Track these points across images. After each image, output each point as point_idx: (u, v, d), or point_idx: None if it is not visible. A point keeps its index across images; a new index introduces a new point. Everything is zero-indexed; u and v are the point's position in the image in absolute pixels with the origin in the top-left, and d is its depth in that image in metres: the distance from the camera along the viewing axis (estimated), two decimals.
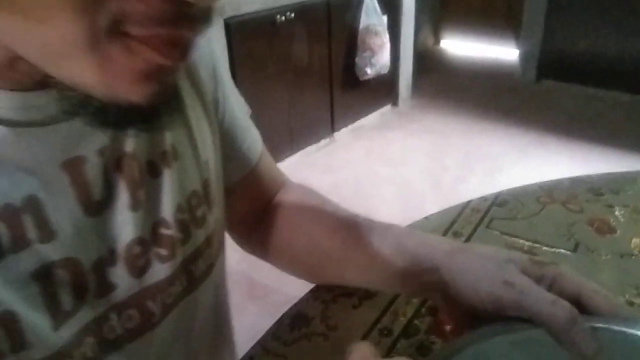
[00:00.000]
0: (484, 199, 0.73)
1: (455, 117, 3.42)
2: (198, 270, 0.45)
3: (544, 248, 0.62)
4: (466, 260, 0.42)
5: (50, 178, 0.33)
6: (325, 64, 2.85)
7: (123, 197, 0.37)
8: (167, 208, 0.41)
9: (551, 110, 3.46)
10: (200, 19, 0.28)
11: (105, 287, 0.37)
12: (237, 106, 0.52)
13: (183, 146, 0.42)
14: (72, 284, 0.34)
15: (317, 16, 2.70)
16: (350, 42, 2.93)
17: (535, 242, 0.63)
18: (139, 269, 0.39)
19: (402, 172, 2.75)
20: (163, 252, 0.40)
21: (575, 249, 0.62)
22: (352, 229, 0.51)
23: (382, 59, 3.03)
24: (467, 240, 0.65)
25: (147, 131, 0.39)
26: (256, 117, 0.56)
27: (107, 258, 0.37)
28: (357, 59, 2.97)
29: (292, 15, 2.49)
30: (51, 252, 0.33)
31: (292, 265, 0.57)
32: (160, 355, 0.42)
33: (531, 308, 0.37)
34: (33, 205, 0.32)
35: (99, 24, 0.25)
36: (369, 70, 2.99)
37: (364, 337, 0.50)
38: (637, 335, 0.36)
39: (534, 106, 3.55)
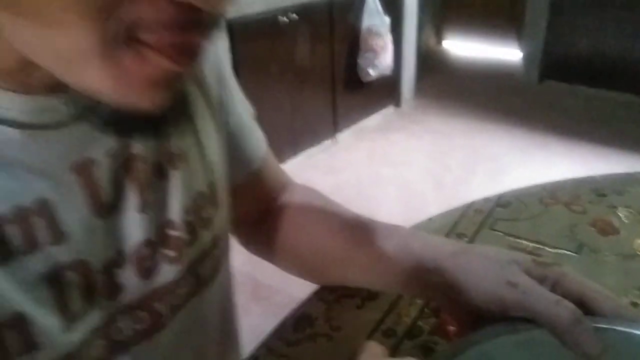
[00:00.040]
0: (486, 200, 0.73)
1: (458, 118, 3.42)
2: (205, 271, 0.45)
3: (547, 249, 0.62)
4: (469, 261, 0.43)
5: (60, 180, 0.33)
6: (328, 65, 2.85)
7: (131, 198, 0.38)
8: (175, 209, 0.41)
9: (554, 111, 3.46)
10: (209, 24, 0.28)
11: (114, 288, 0.37)
12: (241, 107, 0.53)
13: (189, 148, 0.43)
14: (81, 285, 0.34)
15: (320, 17, 2.70)
16: (353, 43, 2.94)
17: (539, 243, 0.63)
18: (147, 271, 0.39)
19: (405, 173, 2.75)
20: (171, 253, 0.41)
21: (578, 250, 0.62)
22: (355, 230, 0.52)
23: (385, 60, 3.04)
24: (470, 241, 0.65)
25: (154, 138, 0.39)
26: (259, 118, 0.56)
27: (116, 260, 0.37)
28: (359, 60, 2.97)
29: (295, 16, 2.49)
30: (61, 254, 0.33)
31: (296, 265, 0.58)
32: (167, 357, 0.43)
33: (534, 308, 0.37)
34: (44, 207, 0.32)
35: (111, 31, 0.25)
36: (371, 71, 2.99)
37: (368, 338, 0.50)
38: None
39: (537, 107, 3.55)
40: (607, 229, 0.65)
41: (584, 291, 0.38)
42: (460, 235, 0.66)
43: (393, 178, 2.71)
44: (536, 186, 0.76)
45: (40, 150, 0.32)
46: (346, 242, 0.51)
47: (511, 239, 0.65)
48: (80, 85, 0.28)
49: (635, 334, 0.36)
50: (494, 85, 3.95)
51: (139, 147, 0.38)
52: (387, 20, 3.00)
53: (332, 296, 0.56)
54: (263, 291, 1.85)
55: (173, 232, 0.41)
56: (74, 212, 0.34)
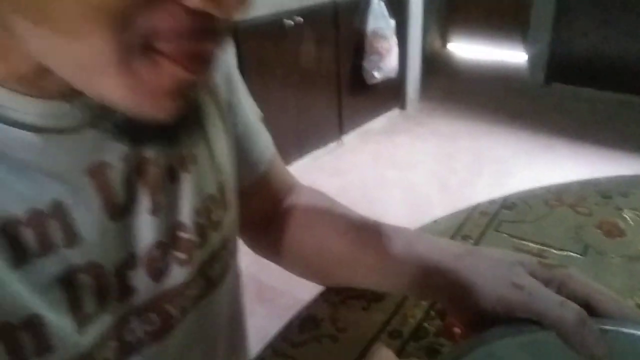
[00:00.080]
0: (492, 202, 0.73)
1: (463, 121, 3.42)
2: (214, 273, 0.45)
3: (553, 251, 0.62)
4: (475, 262, 0.43)
5: (75, 183, 0.34)
6: (333, 68, 2.85)
7: (144, 201, 0.38)
8: (186, 212, 0.41)
9: (559, 113, 3.45)
10: (222, 31, 0.29)
11: (126, 290, 0.38)
12: (249, 110, 0.53)
13: (200, 151, 0.43)
14: (94, 288, 0.35)
15: (325, 20, 2.71)
16: (358, 46, 2.94)
17: (544, 245, 0.63)
18: (158, 273, 0.40)
19: (410, 176, 2.75)
20: (181, 255, 0.41)
21: (584, 252, 0.62)
22: (361, 231, 0.52)
23: (390, 62, 3.04)
24: (476, 243, 0.65)
25: (165, 142, 0.40)
26: (264, 121, 0.57)
27: (128, 262, 0.37)
28: (364, 63, 2.98)
29: (300, 19, 2.50)
30: (76, 256, 0.33)
31: (302, 267, 0.58)
32: (177, 358, 0.43)
33: (540, 310, 0.37)
34: (59, 210, 0.32)
35: (129, 41, 0.25)
36: (376, 74, 2.99)
37: (373, 339, 0.51)
38: None
39: (542, 109, 3.54)
40: (612, 231, 0.65)
41: (590, 293, 0.38)
42: (465, 238, 0.66)
43: (398, 180, 2.71)
44: (541, 188, 0.76)
45: (56, 153, 0.33)
46: (352, 244, 0.52)
47: (516, 240, 0.65)
48: (96, 94, 0.29)
49: None
50: (499, 88, 3.94)
51: (151, 150, 0.39)
52: (392, 23, 3.00)
53: (337, 297, 0.56)
54: (268, 293, 1.85)
55: (184, 235, 0.41)
56: (88, 215, 0.34)
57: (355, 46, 2.93)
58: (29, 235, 0.31)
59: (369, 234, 0.51)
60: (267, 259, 0.61)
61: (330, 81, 2.87)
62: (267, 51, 2.42)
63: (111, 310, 0.36)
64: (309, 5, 2.54)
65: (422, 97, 3.68)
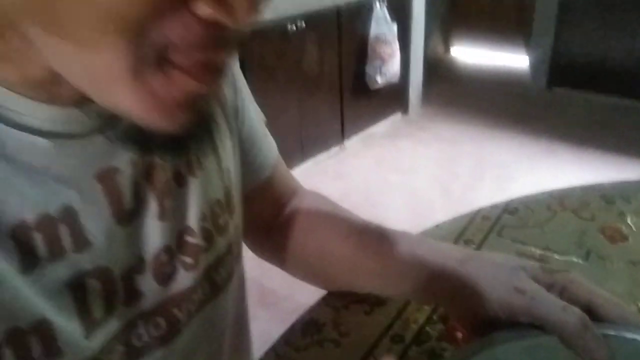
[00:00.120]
0: (494, 206, 0.73)
1: (466, 125, 3.42)
2: (220, 277, 0.46)
3: (555, 256, 0.62)
4: (477, 267, 0.43)
5: (85, 188, 0.34)
6: (336, 73, 2.86)
7: (152, 206, 0.38)
8: (192, 217, 0.41)
9: (562, 118, 3.45)
10: (233, 40, 0.29)
11: (134, 295, 0.38)
12: (254, 114, 0.53)
13: (207, 156, 0.43)
14: (102, 292, 0.35)
15: (328, 25, 2.72)
16: (361, 51, 2.95)
17: (547, 250, 0.63)
18: (165, 277, 0.40)
19: (412, 180, 2.75)
20: (188, 260, 0.41)
21: (586, 257, 0.62)
22: (364, 236, 0.52)
23: (392, 67, 3.04)
24: (478, 248, 0.65)
25: (173, 147, 0.40)
26: (267, 125, 0.57)
27: (136, 266, 0.38)
28: (367, 68, 2.98)
29: (303, 24, 2.51)
30: (85, 261, 0.34)
31: (305, 271, 0.58)
32: None
33: (542, 314, 0.37)
34: (69, 215, 0.33)
35: (142, 53, 0.26)
36: (379, 79, 3.00)
37: (376, 344, 0.51)
38: None
39: (545, 114, 3.54)
40: (615, 236, 0.65)
41: (592, 298, 0.39)
42: (467, 242, 0.66)
43: (400, 185, 2.71)
44: (544, 193, 0.76)
45: (67, 158, 0.33)
46: (355, 248, 0.52)
47: (519, 245, 0.65)
48: (108, 104, 0.29)
49: None
50: (502, 93, 3.94)
51: (160, 155, 0.39)
52: (394, 28, 3.01)
53: (340, 302, 0.56)
54: (270, 297, 1.85)
55: (191, 239, 0.41)
56: (98, 220, 0.34)
57: (357, 51, 2.94)
58: (38, 240, 0.31)
59: (371, 238, 0.51)
60: (270, 263, 0.61)
61: (332, 86, 2.87)
62: (270, 56, 2.43)
63: (119, 315, 0.36)
64: (311, 11, 2.55)
65: (425, 102, 3.69)
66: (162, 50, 0.26)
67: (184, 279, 0.41)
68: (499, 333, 0.37)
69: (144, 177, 0.38)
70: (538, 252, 0.63)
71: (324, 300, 0.57)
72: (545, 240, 0.65)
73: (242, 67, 0.52)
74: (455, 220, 0.71)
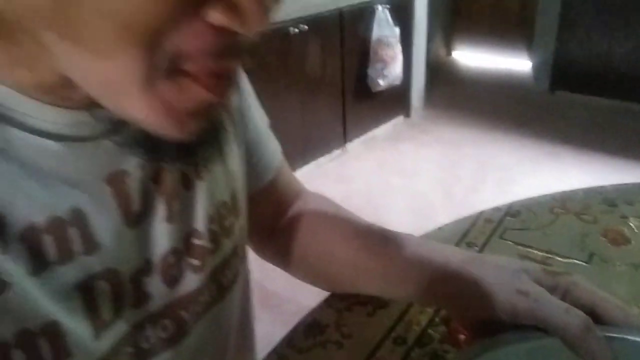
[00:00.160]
0: (497, 209, 0.73)
1: (468, 128, 3.41)
2: (226, 279, 0.46)
3: (558, 259, 0.62)
4: (480, 269, 0.43)
5: (94, 191, 0.34)
6: (338, 76, 2.86)
7: (160, 209, 0.39)
8: (199, 219, 0.42)
9: (564, 121, 3.44)
10: (245, 48, 0.29)
11: (141, 297, 0.38)
12: (259, 117, 0.54)
13: (213, 158, 0.44)
14: (111, 294, 0.35)
15: (330, 28, 2.72)
16: (363, 54, 2.95)
17: (549, 252, 0.63)
18: (172, 279, 0.40)
19: (414, 183, 2.75)
20: (195, 262, 0.41)
21: (589, 260, 0.62)
22: (367, 238, 0.52)
23: (395, 70, 3.05)
24: (481, 250, 0.65)
25: (181, 151, 0.40)
26: (270, 128, 0.57)
27: (144, 268, 0.38)
28: (369, 71, 2.98)
29: (305, 27, 2.51)
30: (94, 263, 0.34)
31: (308, 272, 0.58)
32: None
33: (545, 316, 0.37)
34: (78, 217, 0.33)
35: (156, 63, 0.26)
36: (381, 82, 3.00)
37: (378, 346, 0.51)
38: None
39: (547, 117, 3.54)
40: (618, 239, 0.65)
41: (595, 300, 0.39)
42: (470, 245, 0.66)
43: (403, 188, 2.71)
44: (546, 196, 0.76)
45: (76, 161, 0.33)
46: (358, 250, 0.52)
47: (521, 248, 0.65)
48: (119, 111, 0.29)
49: None
50: (504, 96, 3.94)
51: (167, 159, 0.39)
52: (396, 31, 3.01)
53: (342, 304, 0.56)
54: (273, 299, 1.85)
55: (198, 241, 0.42)
56: (107, 222, 0.35)
57: (360, 54, 2.94)
58: (48, 243, 0.31)
59: (374, 240, 0.51)
60: (274, 265, 0.62)
61: (335, 88, 2.87)
62: (272, 59, 2.43)
63: (127, 317, 0.37)
64: (314, 13, 2.56)
65: (427, 105, 3.69)
66: (174, 60, 0.27)
67: (191, 281, 0.41)
68: (502, 335, 0.38)
69: (152, 180, 0.38)
70: (540, 254, 0.63)
71: (326, 302, 0.57)
72: (547, 242, 0.65)
73: (245, 69, 0.52)
74: (457, 223, 0.71)
